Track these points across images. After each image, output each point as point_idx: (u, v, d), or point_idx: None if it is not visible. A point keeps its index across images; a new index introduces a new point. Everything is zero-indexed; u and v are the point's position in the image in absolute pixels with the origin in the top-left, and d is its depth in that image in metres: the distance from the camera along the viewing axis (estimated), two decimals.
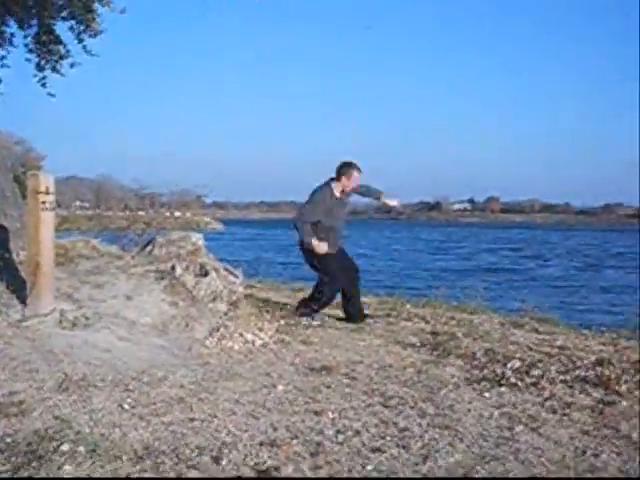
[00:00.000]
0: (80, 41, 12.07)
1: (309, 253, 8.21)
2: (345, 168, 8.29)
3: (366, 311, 8.54)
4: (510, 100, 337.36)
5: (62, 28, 12.21)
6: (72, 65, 12.61)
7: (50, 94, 12.70)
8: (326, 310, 8.38)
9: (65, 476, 3.28)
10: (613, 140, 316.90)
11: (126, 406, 4.38)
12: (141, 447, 3.72)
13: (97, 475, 3.32)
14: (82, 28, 11.91)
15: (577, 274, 31.90)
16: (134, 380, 4.97)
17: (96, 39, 12.03)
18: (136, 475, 3.36)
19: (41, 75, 12.55)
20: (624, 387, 5.28)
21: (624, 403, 5.01)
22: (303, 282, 11.83)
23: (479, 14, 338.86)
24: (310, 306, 8.23)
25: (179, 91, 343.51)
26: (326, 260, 8.15)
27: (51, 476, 3.27)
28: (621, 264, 39.20)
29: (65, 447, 3.57)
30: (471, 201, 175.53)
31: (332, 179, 8.31)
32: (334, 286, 8.24)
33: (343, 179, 8.28)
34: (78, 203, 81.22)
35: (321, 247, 8.07)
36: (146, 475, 3.37)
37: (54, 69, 12.56)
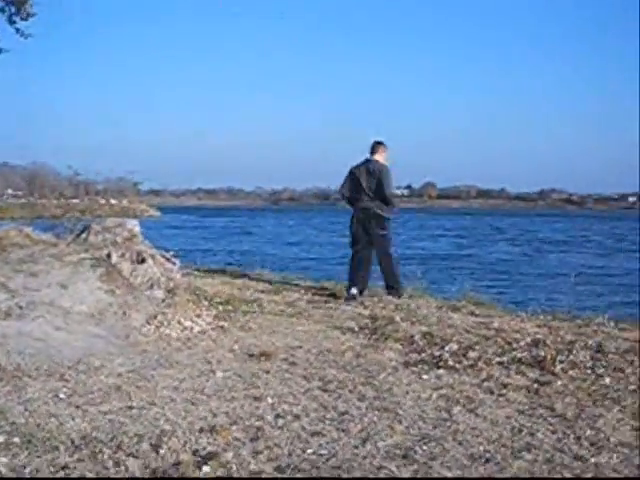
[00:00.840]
0: (12, 23, 11.83)
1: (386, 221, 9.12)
2: (382, 144, 9.25)
3: (305, 297, 8.64)
4: (445, 85, 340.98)
5: None
6: (0, 51, 12.38)
7: None
8: (271, 297, 8.47)
9: (1, 468, 3.22)
10: (548, 126, 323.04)
11: (62, 396, 4.32)
12: (78, 436, 3.67)
13: (33, 465, 3.27)
14: (14, 10, 11.68)
15: (514, 259, 32.39)
16: (70, 369, 4.90)
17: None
18: (73, 465, 3.32)
19: None
20: (559, 367, 5.40)
21: (559, 383, 5.12)
22: (236, 268, 11.87)
23: None
24: (395, 278, 9.11)
25: (112, 76, 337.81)
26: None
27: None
28: (557, 248, 39.98)
29: (0, 438, 3.50)
30: (408, 187, 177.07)
31: (368, 160, 9.13)
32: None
33: (386, 151, 9.26)
34: (10, 191, 79.48)
35: None
36: (83, 464, 3.33)
37: None
